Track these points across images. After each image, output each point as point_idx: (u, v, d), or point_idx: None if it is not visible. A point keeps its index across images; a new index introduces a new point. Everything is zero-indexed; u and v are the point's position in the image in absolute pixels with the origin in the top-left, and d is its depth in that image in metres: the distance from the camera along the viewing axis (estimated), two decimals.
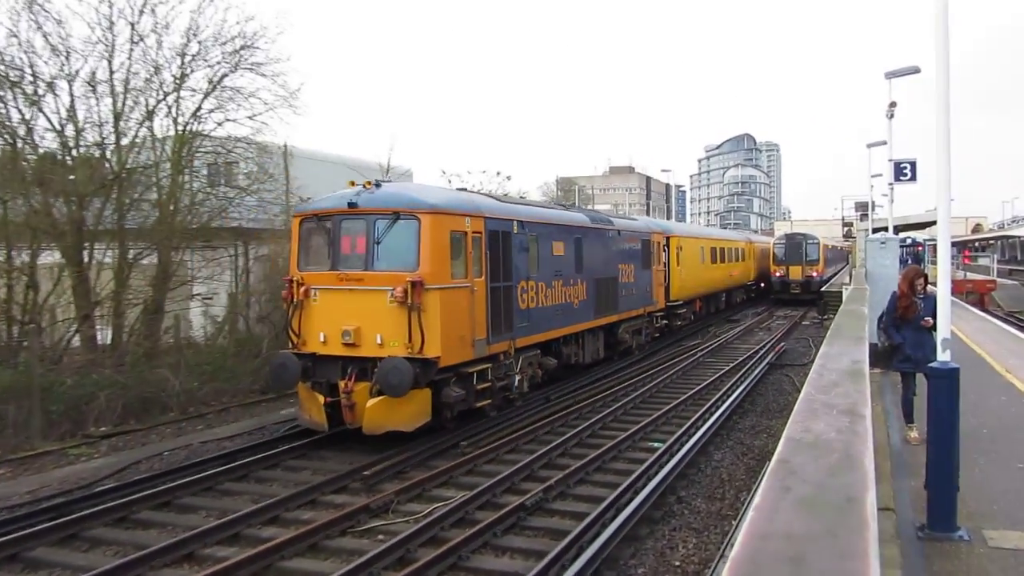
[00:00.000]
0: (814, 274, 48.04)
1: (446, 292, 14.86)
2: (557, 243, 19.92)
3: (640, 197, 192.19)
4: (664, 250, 30.34)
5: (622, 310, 24.65)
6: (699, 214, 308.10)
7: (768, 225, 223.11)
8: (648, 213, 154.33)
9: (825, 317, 32.70)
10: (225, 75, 22.62)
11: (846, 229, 76.39)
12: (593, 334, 22.71)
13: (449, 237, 15.13)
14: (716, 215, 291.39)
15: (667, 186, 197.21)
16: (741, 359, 25.35)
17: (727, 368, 23.59)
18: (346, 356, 14.79)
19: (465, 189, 21.76)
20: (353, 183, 16.05)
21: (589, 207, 65.00)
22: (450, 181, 34.91)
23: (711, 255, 39.67)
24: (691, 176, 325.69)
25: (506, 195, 27.29)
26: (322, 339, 14.96)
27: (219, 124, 22.62)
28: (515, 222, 17.64)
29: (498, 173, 35.88)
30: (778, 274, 48.82)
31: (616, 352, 24.98)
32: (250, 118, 22.75)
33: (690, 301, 34.78)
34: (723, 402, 18.40)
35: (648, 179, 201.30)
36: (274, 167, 25.06)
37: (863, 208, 59.40)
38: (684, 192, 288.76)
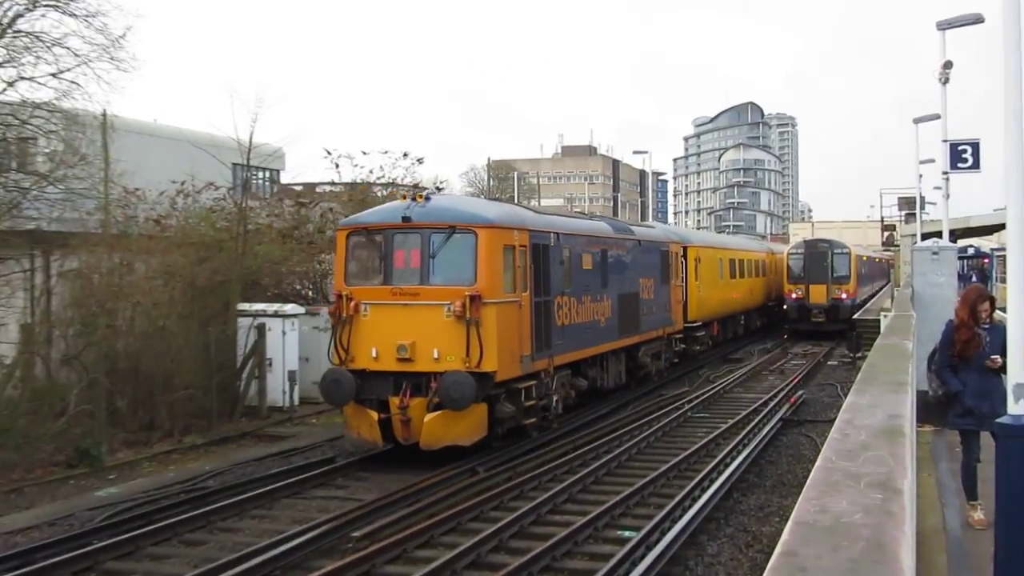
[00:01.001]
0: (843, 296, 48.50)
1: (501, 306, 19.78)
2: (585, 256, 25.10)
3: (604, 188, 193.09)
4: (682, 262, 35.20)
5: (643, 330, 29.76)
6: (685, 212, 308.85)
7: (781, 228, 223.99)
8: (615, 211, 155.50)
9: (859, 355, 33.27)
10: (19, 15, 22.34)
11: (887, 235, 77.31)
12: (616, 356, 27.84)
13: (502, 251, 20.09)
14: (709, 213, 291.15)
15: (641, 174, 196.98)
16: (744, 414, 25.56)
17: (725, 427, 23.71)
18: (399, 371, 19.44)
19: (500, 199, 27.76)
20: (405, 196, 21.22)
21: (533, 203, 65.72)
22: (337, 165, 35.21)
23: (730, 269, 44.04)
24: (675, 160, 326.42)
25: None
26: (374, 355, 19.58)
27: (10, 84, 22.34)
28: (552, 234, 22.73)
29: (405, 155, 36.20)
30: (794, 296, 49.26)
31: (636, 377, 29.95)
32: (54, 76, 22.55)
33: (708, 323, 39.16)
34: (719, 474, 18.44)
35: (615, 164, 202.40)
36: (88, 145, 24.72)
37: (909, 206, 60.25)
38: (665, 181, 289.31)
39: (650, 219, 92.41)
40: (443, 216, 19.91)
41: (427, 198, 20.49)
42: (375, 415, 19.39)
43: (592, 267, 25.31)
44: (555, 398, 22.62)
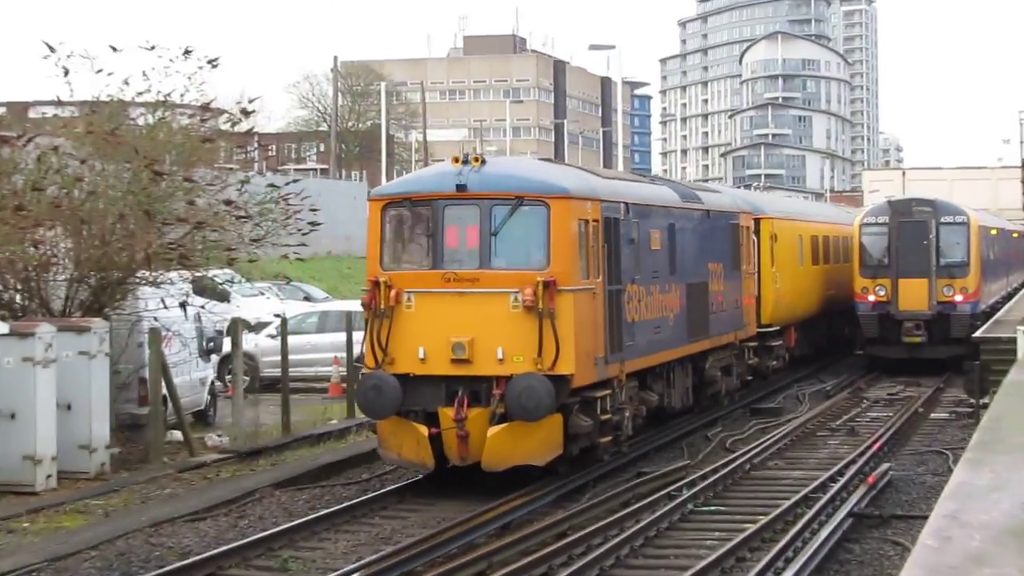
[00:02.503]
0: (958, 298, 43.80)
1: (578, 295, 22.13)
2: (654, 232, 27.32)
3: (540, 111, 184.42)
4: (754, 240, 36.71)
5: (712, 333, 31.65)
6: (681, 152, 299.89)
7: (850, 179, 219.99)
8: (557, 151, 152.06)
9: (983, 401, 30.27)
10: None
11: None
12: (683, 367, 29.88)
13: (577, 227, 22.49)
14: (723, 154, 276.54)
15: (604, 84, 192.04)
16: (787, 506, 22.75)
17: (753, 529, 21.04)
18: (453, 375, 21.81)
19: (551, 160, 29.88)
20: (457, 159, 23.17)
21: (415, 135, 71.51)
22: (66, 71, 30.88)
23: (811, 250, 45.02)
24: (662, 62, 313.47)
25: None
26: (421, 355, 21.93)
27: None
28: (622, 205, 25.31)
29: (187, 52, 31.96)
30: (871, 298, 44.61)
31: (701, 399, 31.88)
32: None
33: (784, 328, 40.45)
34: None
35: (558, 67, 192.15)
36: None
37: None
38: (647, 99, 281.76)
39: (620, 163, 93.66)
40: (507, 184, 22.98)
41: (483, 161, 23.22)
42: (424, 430, 21.92)
43: (660, 247, 28.03)
44: (626, 413, 25.15)
